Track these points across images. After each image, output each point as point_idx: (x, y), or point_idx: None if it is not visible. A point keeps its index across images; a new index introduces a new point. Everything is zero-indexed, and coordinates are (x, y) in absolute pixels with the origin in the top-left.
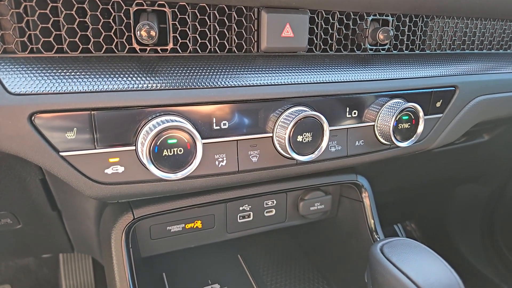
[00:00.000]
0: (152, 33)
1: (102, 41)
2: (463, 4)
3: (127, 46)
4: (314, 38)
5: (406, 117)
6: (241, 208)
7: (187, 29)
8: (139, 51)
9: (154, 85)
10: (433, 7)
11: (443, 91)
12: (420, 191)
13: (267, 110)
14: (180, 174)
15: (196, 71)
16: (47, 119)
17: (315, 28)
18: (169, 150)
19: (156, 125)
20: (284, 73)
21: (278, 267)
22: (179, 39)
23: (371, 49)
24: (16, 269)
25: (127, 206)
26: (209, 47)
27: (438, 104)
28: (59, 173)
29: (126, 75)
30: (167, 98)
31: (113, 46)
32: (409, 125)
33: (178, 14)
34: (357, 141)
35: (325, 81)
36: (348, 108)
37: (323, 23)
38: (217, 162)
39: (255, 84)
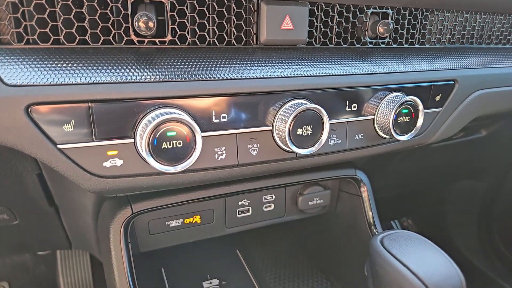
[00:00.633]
0: (150, 24)
1: (99, 33)
2: None
3: (125, 38)
4: (314, 31)
5: (406, 111)
6: (240, 203)
7: (185, 21)
8: (137, 43)
9: (153, 77)
10: (432, 0)
11: (443, 85)
12: (417, 187)
13: (266, 103)
14: (179, 167)
15: (195, 63)
16: (44, 111)
17: (314, 20)
18: (168, 143)
19: (155, 117)
20: (283, 66)
21: (276, 262)
22: (178, 31)
23: (370, 43)
24: (13, 266)
25: (125, 201)
26: (208, 39)
27: (437, 98)
28: (56, 166)
29: (124, 67)
30: (165, 90)
31: (110, 38)
32: (408, 118)
33: (177, 5)
34: (356, 135)
35: (324, 74)
36: (347, 102)
37: (322, 16)
38: (216, 156)
39: (255, 76)
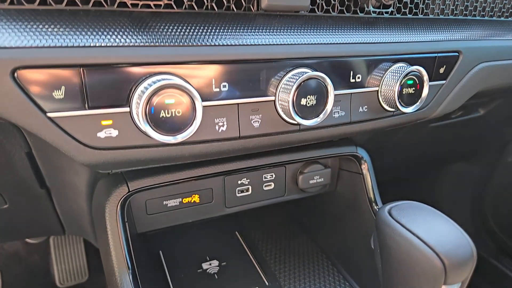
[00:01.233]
0: None
1: None
2: None
3: (117, 0)
4: None
5: (411, 82)
6: (239, 182)
7: None
8: (130, 6)
9: (148, 41)
10: None
11: (447, 56)
12: (412, 170)
13: (269, 71)
14: (180, 137)
15: (193, 28)
16: (31, 75)
17: None
18: (166, 111)
19: (152, 84)
20: (285, 33)
21: (276, 243)
22: None
23: (374, 12)
24: (5, 256)
25: (121, 179)
26: (206, 3)
27: (441, 70)
28: (47, 137)
29: (117, 31)
30: (162, 56)
31: (101, 0)
32: (413, 90)
33: None
34: (360, 107)
35: (328, 43)
36: (351, 72)
37: None
38: (217, 127)
39: (256, 43)
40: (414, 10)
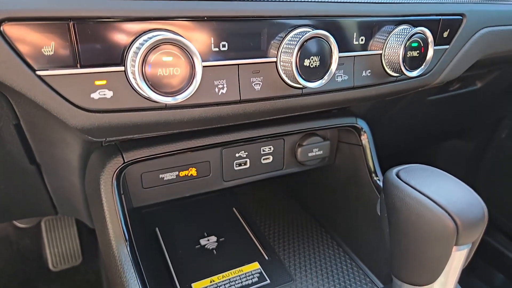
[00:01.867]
0: None
1: None
2: None
3: None
4: None
5: (415, 44)
6: (237, 155)
7: None
8: None
9: None
10: None
11: (451, 19)
12: (407, 147)
13: (270, 31)
14: (180, 98)
15: None
16: (18, 29)
17: None
18: (164, 70)
19: (148, 39)
20: None
21: (275, 219)
22: None
23: None
24: None
25: (115, 150)
26: None
27: (445, 34)
28: (37, 98)
29: None
30: (158, 10)
31: None
32: (417, 53)
33: None
34: (364, 71)
35: (331, 1)
36: (354, 34)
37: None
38: (217, 89)
39: None
40: None
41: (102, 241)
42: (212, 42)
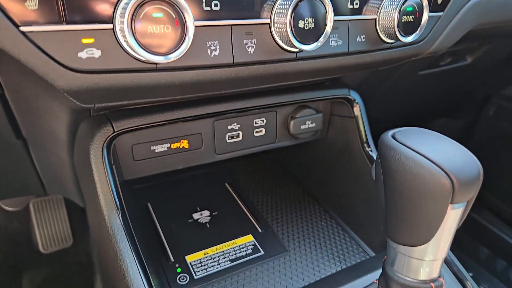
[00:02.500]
0: None
1: None
2: None
3: None
4: None
5: (410, 9)
6: (229, 127)
7: None
8: None
9: None
10: None
11: None
12: (398, 125)
13: None
14: (172, 56)
15: None
16: None
17: None
18: (154, 27)
19: None
20: None
21: (268, 193)
22: None
23: None
24: None
25: (105, 119)
26: None
27: (439, 1)
28: (21, 56)
29: None
30: None
31: None
32: (412, 18)
33: None
34: (358, 36)
35: None
36: None
37: None
38: (209, 51)
39: None
40: None
41: (93, 214)
42: (204, 0)
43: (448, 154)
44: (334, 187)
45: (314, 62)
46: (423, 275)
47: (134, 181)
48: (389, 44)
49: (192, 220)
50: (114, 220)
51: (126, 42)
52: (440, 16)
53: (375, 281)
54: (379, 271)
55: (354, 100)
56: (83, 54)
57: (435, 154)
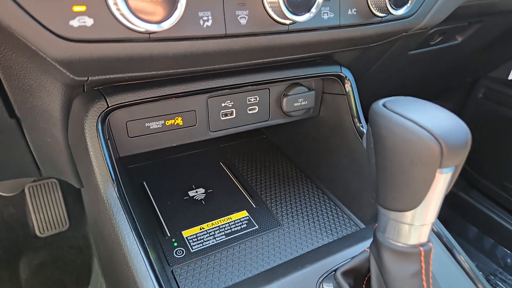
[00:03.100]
0: None
1: None
2: None
3: None
4: None
5: None
6: (223, 105)
7: None
8: None
9: None
10: None
11: None
12: None
13: None
14: (165, 24)
15: None
16: None
17: None
18: None
19: None
20: None
21: (261, 171)
22: None
23: None
24: None
25: (98, 94)
26: None
27: None
28: (12, 23)
29: None
30: None
31: None
32: None
33: None
34: (349, 10)
35: None
36: None
37: None
38: (201, 21)
39: None
40: None
41: (89, 191)
42: None
43: (437, 120)
44: (326, 163)
45: (306, 35)
46: (413, 240)
47: (129, 161)
48: (380, 18)
49: (187, 197)
50: (110, 194)
51: (118, 10)
52: None
53: (366, 249)
54: (370, 240)
55: (346, 77)
56: (75, 23)
57: (424, 119)
